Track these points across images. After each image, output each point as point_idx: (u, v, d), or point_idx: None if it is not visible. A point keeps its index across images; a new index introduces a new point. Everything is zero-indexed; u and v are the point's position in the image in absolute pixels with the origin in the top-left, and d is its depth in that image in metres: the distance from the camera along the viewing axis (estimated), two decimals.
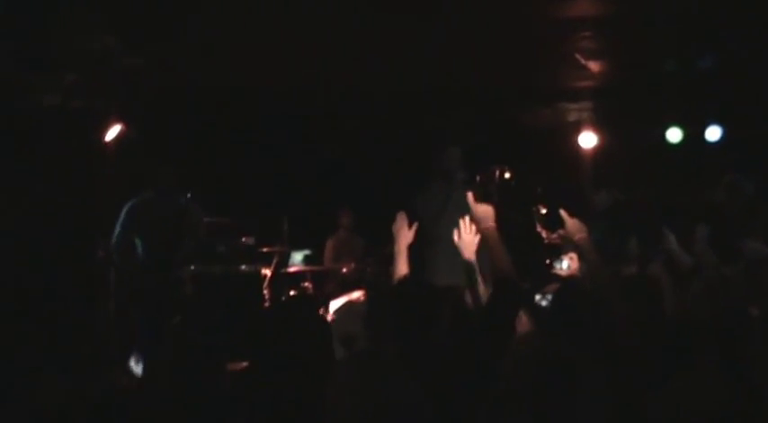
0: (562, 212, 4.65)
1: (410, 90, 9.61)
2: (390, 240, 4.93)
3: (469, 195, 4.56)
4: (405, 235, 4.87)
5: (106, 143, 9.23)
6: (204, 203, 8.15)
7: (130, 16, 7.29)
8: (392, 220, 4.98)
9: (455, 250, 4.85)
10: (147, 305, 7.30)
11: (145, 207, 7.58)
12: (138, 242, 7.49)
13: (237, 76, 9.10)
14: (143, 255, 7.49)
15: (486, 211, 4.41)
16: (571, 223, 4.59)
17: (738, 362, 3.54)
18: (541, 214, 8.26)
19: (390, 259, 4.89)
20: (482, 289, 4.55)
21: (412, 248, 4.88)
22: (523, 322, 3.99)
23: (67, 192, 9.05)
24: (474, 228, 4.72)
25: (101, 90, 8.90)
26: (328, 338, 3.38)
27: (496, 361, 3.00)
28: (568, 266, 6.10)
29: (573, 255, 6.18)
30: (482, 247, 4.59)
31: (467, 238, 4.78)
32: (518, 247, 4.83)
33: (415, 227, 4.94)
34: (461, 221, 4.98)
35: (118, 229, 7.52)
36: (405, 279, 4.45)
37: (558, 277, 5.97)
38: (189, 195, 7.71)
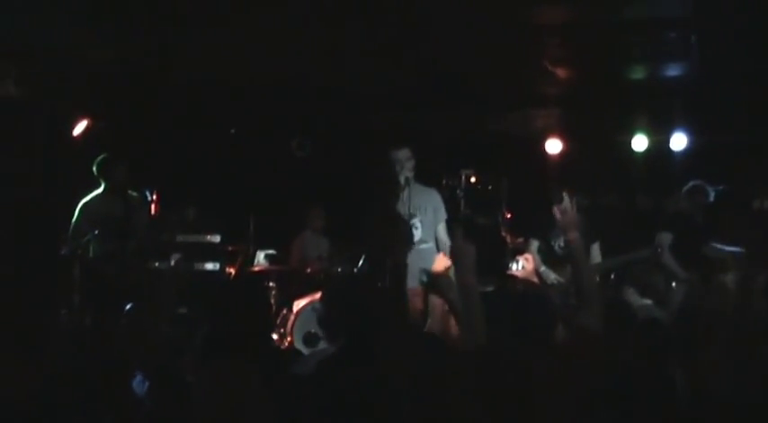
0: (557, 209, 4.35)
1: (381, 91, 9.62)
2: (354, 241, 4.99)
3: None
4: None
5: (73, 137, 9.22)
6: (171, 199, 8.30)
7: (100, 8, 7.28)
8: (359, 220, 5.06)
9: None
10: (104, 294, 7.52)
11: (96, 204, 8.00)
12: (90, 236, 7.78)
13: (207, 74, 9.08)
14: (96, 248, 7.81)
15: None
16: (567, 220, 4.28)
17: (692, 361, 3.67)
18: (506, 219, 8.33)
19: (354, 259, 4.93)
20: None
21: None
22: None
23: (31, 185, 9.02)
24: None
25: (68, 82, 8.86)
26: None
27: None
28: (523, 267, 6.18)
29: (528, 255, 6.25)
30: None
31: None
32: (482, 250, 4.88)
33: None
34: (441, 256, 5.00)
35: (73, 224, 7.92)
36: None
37: (512, 277, 6.05)
38: (135, 193, 8.07)
